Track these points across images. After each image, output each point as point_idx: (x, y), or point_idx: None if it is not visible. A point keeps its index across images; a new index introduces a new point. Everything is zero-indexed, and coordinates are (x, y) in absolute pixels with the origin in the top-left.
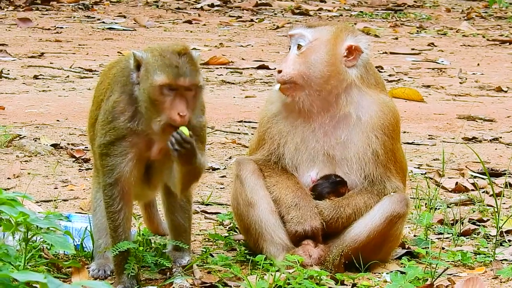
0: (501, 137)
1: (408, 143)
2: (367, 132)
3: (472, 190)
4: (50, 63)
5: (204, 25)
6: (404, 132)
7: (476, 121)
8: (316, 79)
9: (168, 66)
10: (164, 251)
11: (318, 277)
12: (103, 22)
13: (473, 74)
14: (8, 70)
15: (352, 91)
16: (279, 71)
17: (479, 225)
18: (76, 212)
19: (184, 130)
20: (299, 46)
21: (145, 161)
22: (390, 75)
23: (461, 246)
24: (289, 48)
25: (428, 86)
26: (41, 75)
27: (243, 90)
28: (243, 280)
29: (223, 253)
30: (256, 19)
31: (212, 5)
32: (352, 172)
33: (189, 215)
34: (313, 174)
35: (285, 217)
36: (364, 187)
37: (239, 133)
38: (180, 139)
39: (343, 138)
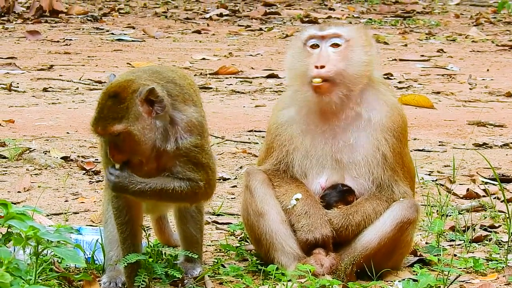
0: (511, 143)
1: (418, 150)
2: (376, 134)
3: (483, 196)
4: (60, 75)
5: (213, 34)
6: (415, 139)
7: (487, 127)
8: (353, 79)
9: (95, 108)
10: (175, 262)
11: (330, 286)
12: (112, 34)
13: (483, 79)
14: (18, 83)
15: (367, 91)
16: (322, 66)
17: (490, 231)
18: (86, 225)
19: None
20: (335, 45)
21: (144, 175)
22: (400, 82)
23: (473, 252)
24: (315, 47)
25: (438, 93)
26: (50, 87)
27: (253, 99)
28: None
29: (234, 263)
30: (265, 28)
31: (221, 15)
32: (360, 176)
33: (201, 226)
34: (322, 181)
35: (296, 226)
36: (373, 193)
37: (249, 143)
38: (108, 174)
39: (352, 141)
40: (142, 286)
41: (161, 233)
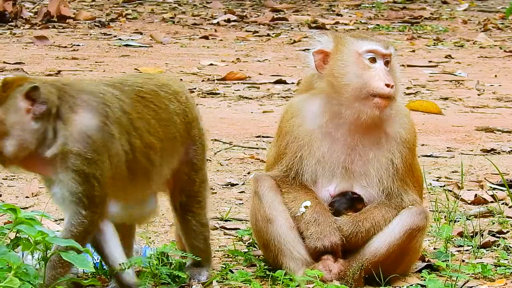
0: None
1: (426, 155)
2: (392, 147)
3: (491, 202)
4: None
5: (221, 40)
6: (423, 145)
7: (495, 133)
8: (397, 98)
9: None
10: (181, 266)
11: None
12: (120, 39)
13: (491, 85)
14: None
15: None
16: (392, 86)
17: (499, 237)
18: None
19: None
20: (387, 63)
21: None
22: (408, 88)
23: (481, 258)
24: (372, 61)
25: (446, 99)
26: None
27: (261, 105)
28: None
29: (243, 269)
30: (273, 33)
31: (228, 20)
32: (370, 185)
33: (205, 237)
34: (331, 188)
35: (304, 233)
36: (382, 201)
37: (257, 148)
38: None
39: (370, 156)
40: None
41: (179, 242)
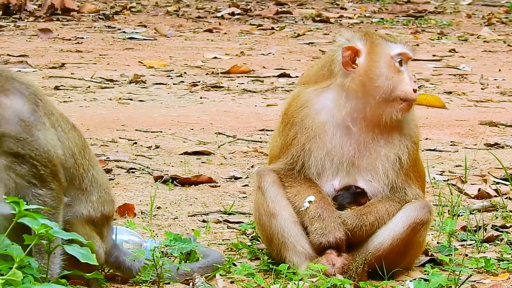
0: None
1: (430, 149)
2: (402, 144)
3: (495, 196)
4: (71, 73)
5: (225, 33)
6: (426, 139)
7: (498, 127)
8: None
9: None
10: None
11: (342, 286)
12: (124, 32)
13: (495, 79)
14: None
15: None
16: (416, 91)
17: (502, 232)
18: None
19: None
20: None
21: None
22: None
23: (484, 252)
24: (401, 64)
25: (450, 93)
26: (62, 85)
27: (265, 98)
28: None
29: (246, 262)
30: (277, 27)
31: (232, 14)
32: (375, 180)
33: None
34: (335, 183)
35: (309, 229)
36: (385, 195)
37: (261, 142)
38: None
39: (382, 154)
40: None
41: None
